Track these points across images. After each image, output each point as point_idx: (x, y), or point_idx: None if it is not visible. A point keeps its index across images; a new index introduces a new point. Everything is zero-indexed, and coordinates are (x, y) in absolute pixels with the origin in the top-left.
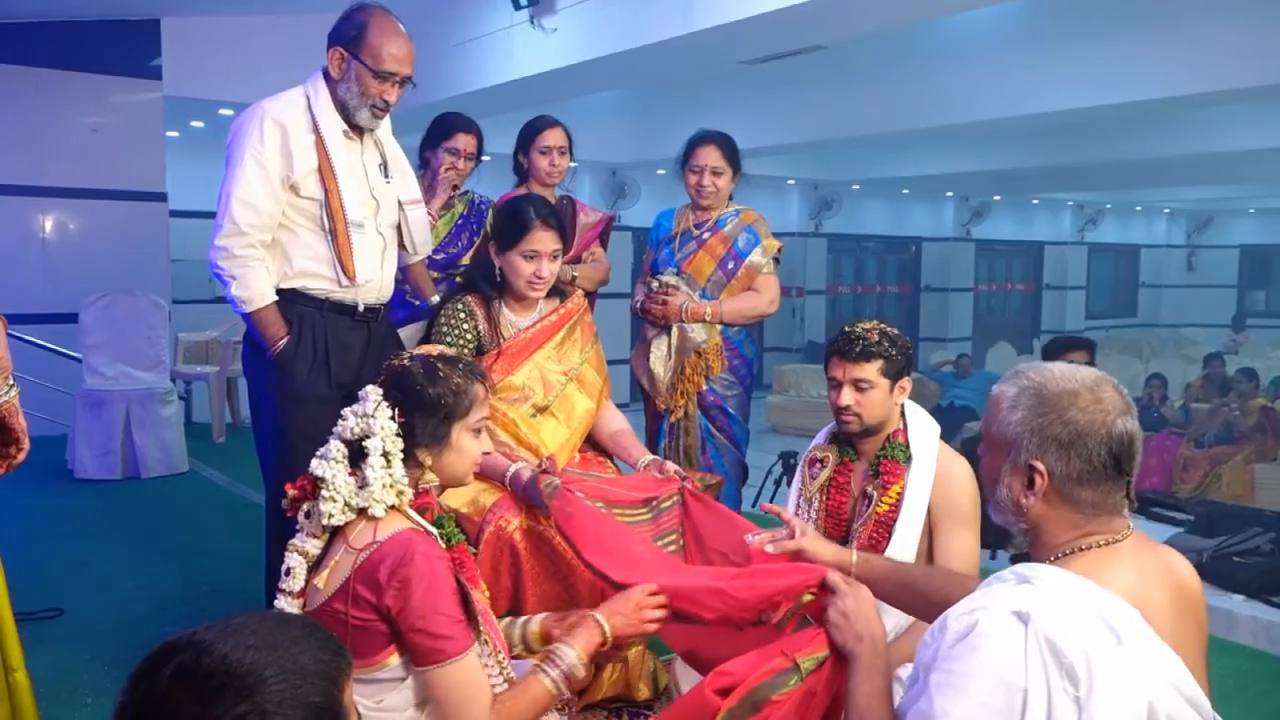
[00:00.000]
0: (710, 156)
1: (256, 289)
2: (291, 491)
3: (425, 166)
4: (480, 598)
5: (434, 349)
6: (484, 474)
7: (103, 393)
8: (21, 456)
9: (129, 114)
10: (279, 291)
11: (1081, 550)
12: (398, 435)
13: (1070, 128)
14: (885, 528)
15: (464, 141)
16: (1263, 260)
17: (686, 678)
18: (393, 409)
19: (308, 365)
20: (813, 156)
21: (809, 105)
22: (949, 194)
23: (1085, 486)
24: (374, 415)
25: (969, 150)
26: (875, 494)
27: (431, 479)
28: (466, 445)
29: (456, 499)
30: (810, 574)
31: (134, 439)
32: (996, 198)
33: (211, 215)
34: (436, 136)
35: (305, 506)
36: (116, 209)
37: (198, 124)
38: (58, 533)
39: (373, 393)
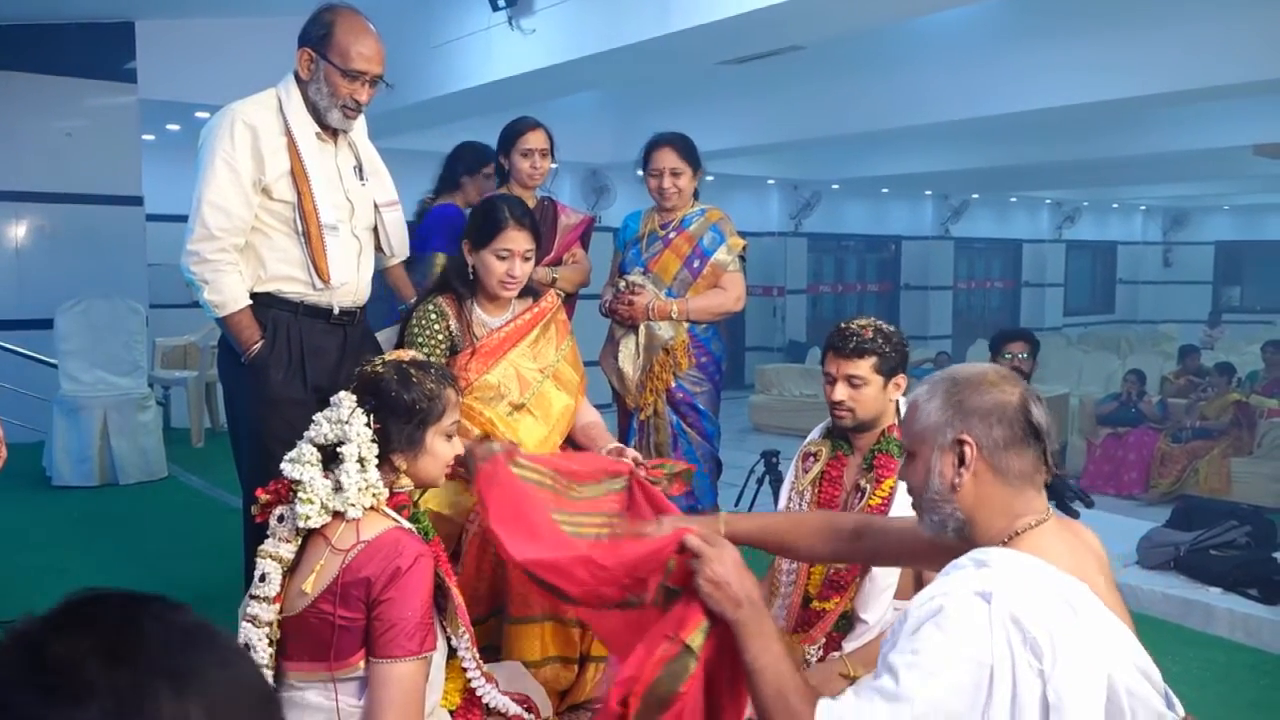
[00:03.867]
0: (668, 159)
1: (229, 293)
2: (264, 496)
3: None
4: (457, 593)
5: (405, 354)
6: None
7: (80, 399)
8: None
9: (104, 117)
10: (253, 295)
11: (1017, 534)
12: (373, 441)
13: (1047, 126)
14: None
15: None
16: (1237, 256)
17: None
18: (368, 415)
19: (283, 369)
20: (792, 156)
21: (787, 105)
22: (928, 193)
23: (1012, 453)
24: (349, 421)
25: (947, 149)
26: (868, 487)
27: (406, 482)
28: (440, 449)
29: (438, 501)
30: (668, 539)
31: (112, 445)
32: (975, 196)
33: (188, 219)
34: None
35: (279, 511)
36: (92, 213)
37: (173, 127)
38: (35, 540)
39: (346, 398)
